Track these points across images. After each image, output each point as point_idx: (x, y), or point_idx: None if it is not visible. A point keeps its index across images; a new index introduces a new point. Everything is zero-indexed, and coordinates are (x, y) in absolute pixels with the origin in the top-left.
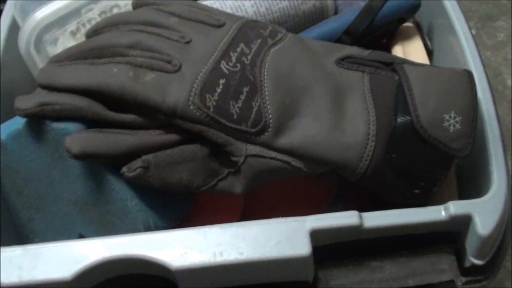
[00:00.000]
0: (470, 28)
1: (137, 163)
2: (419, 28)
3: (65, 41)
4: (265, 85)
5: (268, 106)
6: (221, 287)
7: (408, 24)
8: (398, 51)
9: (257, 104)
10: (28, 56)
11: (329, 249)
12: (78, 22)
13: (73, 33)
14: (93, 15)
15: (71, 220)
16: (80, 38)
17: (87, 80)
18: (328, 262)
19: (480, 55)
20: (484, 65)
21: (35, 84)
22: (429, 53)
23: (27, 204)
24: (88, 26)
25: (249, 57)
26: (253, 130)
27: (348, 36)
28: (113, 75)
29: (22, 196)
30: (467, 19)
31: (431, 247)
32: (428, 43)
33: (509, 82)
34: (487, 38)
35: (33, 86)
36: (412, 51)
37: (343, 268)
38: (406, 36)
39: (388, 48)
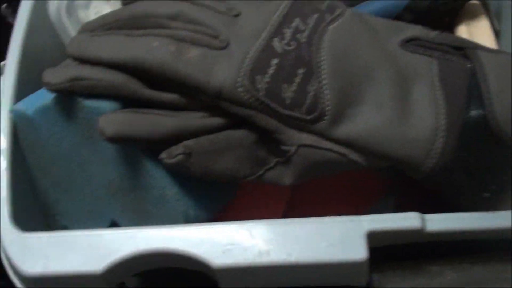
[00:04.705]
0: None
1: (178, 149)
2: (485, 7)
3: (98, 5)
4: (323, 67)
5: (326, 91)
6: None
7: (474, 1)
8: (462, 31)
9: (313, 88)
10: (59, 21)
11: (385, 250)
12: None
13: None
14: None
15: (102, 204)
16: (114, 3)
17: (123, 54)
18: (384, 265)
19: None
20: None
21: (64, 51)
22: (496, 34)
23: (54, 184)
24: None
25: (305, 34)
26: (308, 117)
27: (409, 13)
28: (152, 50)
29: (49, 176)
30: None
31: (495, 253)
32: (496, 23)
33: None
34: None
35: (62, 53)
36: (478, 32)
37: (399, 271)
38: (471, 15)
39: (451, 28)
